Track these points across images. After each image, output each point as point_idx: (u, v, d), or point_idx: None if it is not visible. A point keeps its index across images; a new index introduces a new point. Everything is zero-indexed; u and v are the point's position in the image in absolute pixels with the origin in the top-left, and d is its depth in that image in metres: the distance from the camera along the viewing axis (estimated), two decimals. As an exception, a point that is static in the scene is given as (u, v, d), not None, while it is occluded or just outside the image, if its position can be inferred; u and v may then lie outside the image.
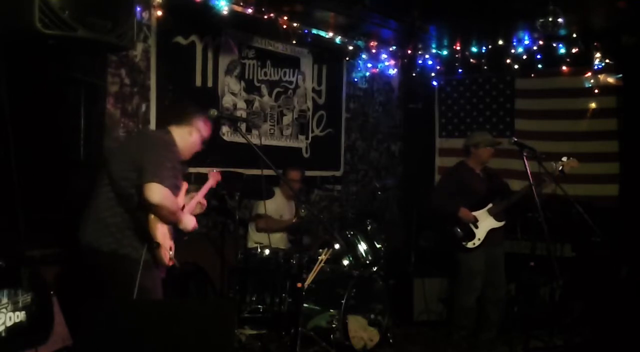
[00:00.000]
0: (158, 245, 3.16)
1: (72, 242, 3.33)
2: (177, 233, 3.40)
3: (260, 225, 5.29)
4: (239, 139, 5.41)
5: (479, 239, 5.02)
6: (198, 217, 3.64)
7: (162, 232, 3.20)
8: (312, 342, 4.53)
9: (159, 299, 3.28)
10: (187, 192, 3.57)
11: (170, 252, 3.28)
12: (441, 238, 5.36)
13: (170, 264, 3.29)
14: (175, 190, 3.24)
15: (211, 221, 5.41)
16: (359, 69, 7.10)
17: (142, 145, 3.26)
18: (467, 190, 5.11)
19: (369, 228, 5.41)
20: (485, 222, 5.05)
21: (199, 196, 3.71)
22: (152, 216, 3.14)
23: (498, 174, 5.47)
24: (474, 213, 5.03)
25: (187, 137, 3.45)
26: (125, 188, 3.17)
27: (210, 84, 5.51)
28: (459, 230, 5.04)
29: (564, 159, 4.80)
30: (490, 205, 5.08)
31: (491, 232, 5.04)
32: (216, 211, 5.16)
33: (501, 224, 5.09)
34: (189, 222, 3.40)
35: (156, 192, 3.05)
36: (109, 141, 4.65)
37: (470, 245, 5.02)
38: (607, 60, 6.17)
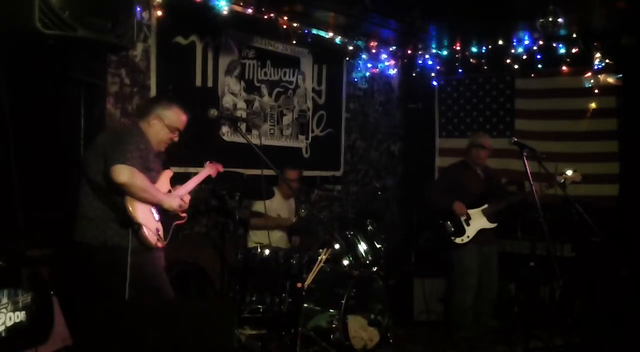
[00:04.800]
0: (139, 226, 3.19)
1: (71, 242, 3.35)
2: (166, 216, 3.43)
3: (255, 223, 5.29)
4: (239, 139, 5.40)
5: (468, 237, 5.09)
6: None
7: (143, 214, 3.24)
8: (312, 342, 4.53)
9: (158, 299, 3.28)
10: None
11: (159, 234, 3.31)
12: (435, 235, 5.42)
13: (160, 246, 3.33)
14: (147, 172, 3.29)
15: (211, 221, 5.41)
16: (359, 69, 7.10)
17: (108, 137, 3.36)
18: (463, 188, 5.19)
19: (369, 228, 5.40)
20: (477, 222, 5.11)
21: (193, 183, 3.72)
22: (128, 198, 3.18)
23: (497, 176, 5.50)
24: (468, 211, 5.10)
25: (148, 128, 3.48)
26: (100, 181, 3.25)
27: (210, 84, 5.51)
28: (449, 224, 5.13)
29: (569, 172, 4.80)
30: (485, 205, 5.13)
31: (481, 232, 5.11)
32: (216, 211, 5.16)
33: (493, 225, 5.15)
34: (172, 201, 3.44)
35: (122, 172, 3.12)
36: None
37: (458, 241, 5.10)
38: (607, 60, 6.16)
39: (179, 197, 3.52)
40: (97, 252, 3.25)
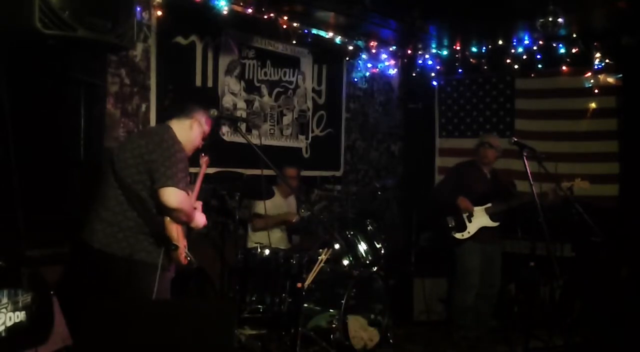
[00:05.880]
0: (177, 247, 3.15)
1: (72, 242, 3.33)
2: (187, 230, 3.40)
3: (257, 225, 5.29)
4: (239, 139, 5.40)
5: (469, 233, 5.12)
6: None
7: (178, 234, 3.20)
8: (312, 342, 4.53)
9: (158, 299, 3.28)
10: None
11: (186, 251, 3.29)
12: (436, 234, 5.45)
13: (186, 262, 3.29)
14: (187, 189, 3.22)
15: (211, 221, 5.40)
16: (359, 69, 7.10)
17: (151, 147, 3.16)
18: (467, 187, 5.22)
19: (369, 228, 5.41)
20: (479, 219, 5.14)
21: (198, 185, 3.69)
22: (167, 218, 3.14)
23: (505, 179, 5.53)
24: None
25: (188, 131, 3.39)
26: (137, 191, 3.14)
27: (210, 84, 5.51)
28: (450, 218, 5.17)
29: (578, 179, 4.84)
30: (489, 204, 5.15)
31: (483, 230, 5.14)
32: (216, 211, 5.16)
33: (495, 224, 5.17)
34: (201, 220, 3.42)
35: (173, 197, 3.05)
36: (109, 141, 4.65)
37: (459, 236, 5.13)
38: (607, 60, 6.16)
39: (203, 215, 3.47)
40: (120, 264, 3.13)
